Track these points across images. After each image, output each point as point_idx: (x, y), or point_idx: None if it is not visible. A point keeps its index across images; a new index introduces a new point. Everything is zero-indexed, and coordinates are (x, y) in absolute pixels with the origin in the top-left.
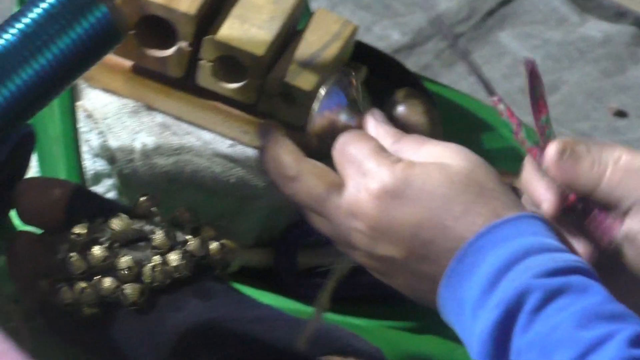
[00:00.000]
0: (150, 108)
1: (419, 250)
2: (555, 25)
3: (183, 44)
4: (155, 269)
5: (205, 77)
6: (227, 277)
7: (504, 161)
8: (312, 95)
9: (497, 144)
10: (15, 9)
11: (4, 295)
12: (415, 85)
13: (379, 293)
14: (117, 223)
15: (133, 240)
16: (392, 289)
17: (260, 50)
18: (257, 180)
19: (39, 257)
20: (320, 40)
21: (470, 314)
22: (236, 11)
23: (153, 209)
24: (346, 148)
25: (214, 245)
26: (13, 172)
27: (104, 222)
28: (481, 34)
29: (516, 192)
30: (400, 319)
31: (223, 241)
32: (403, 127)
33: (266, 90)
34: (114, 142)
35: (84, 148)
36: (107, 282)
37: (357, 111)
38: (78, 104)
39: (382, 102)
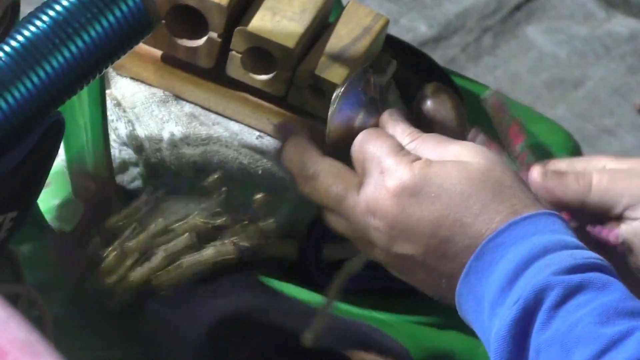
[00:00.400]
0: (178, 98)
1: (437, 247)
2: (582, 21)
3: (214, 35)
4: (196, 262)
5: (235, 68)
6: (259, 267)
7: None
8: None
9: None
10: None
11: (30, 283)
12: (444, 79)
13: (402, 287)
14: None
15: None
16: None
17: (290, 43)
18: (284, 173)
19: (85, 232)
20: (351, 33)
21: (489, 311)
22: (268, 3)
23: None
24: (365, 146)
25: (271, 240)
26: (41, 158)
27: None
28: (508, 28)
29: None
30: (423, 314)
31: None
32: (430, 121)
33: (296, 83)
34: (141, 131)
35: (112, 136)
36: (158, 258)
37: (375, 110)
38: (107, 92)
39: (411, 96)
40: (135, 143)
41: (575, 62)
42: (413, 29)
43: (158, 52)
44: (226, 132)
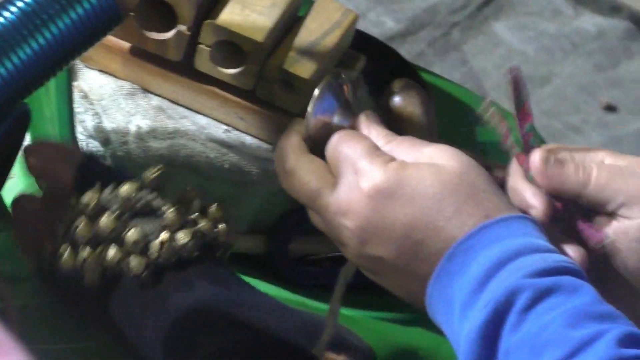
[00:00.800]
0: (146, 91)
1: (410, 250)
2: (550, 18)
3: (183, 28)
4: (163, 245)
5: (203, 61)
6: (227, 261)
7: (496, 153)
8: (310, 83)
9: (490, 136)
10: None
11: None
12: (412, 75)
13: (366, 282)
14: (126, 189)
15: (142, 213)
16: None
17: (260, 36)
18: (252, 167)
19: (44, 220)
20: (321, 27)
21: (459, 314)
22: None
23: (159, 184)
24: (339, 147)
25: (222, 227)
26: (6, 150)
27: (114, 190)
28: (476, 23)
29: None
30: (388, 310)
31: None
32: (399, 117)
33: (265, 77)
34: (108, 124)
35: (79, 129)
36: (112, 252)
37: (350, 113)
38: (74, 84)
39: (379, 92)
40: (101, 136)
41: (543, 59)
42: (380, 24)
43: (126, 45)
44: (193, 125)
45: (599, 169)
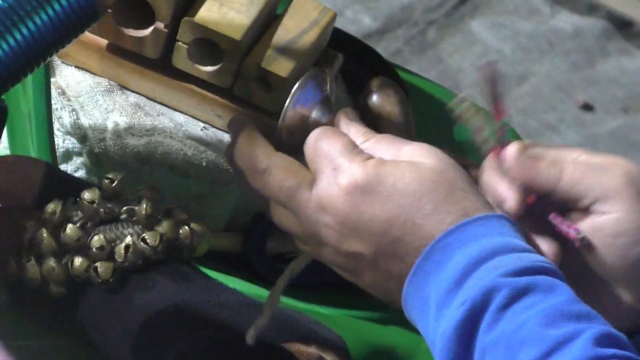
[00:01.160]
0: (124, 88)
1: (388, 247)
2: (527, 16)
3: (160, 25)
4: (129, 249)
5: (180, 58)
6: (194, 261)
7: (473, 152)
8: (287, 81)
9: (467, 135)
10: None
11: None
12: (390, 74)
13: (344, 280)
14: (89, 195)
15: (105, 221)
16: None
17: (237, 34)
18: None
19: (7, 233)
20: (299, 26)
21: (435, 312)
22: None
23: (120, 189)
24: (318, 143)
25: (184, 229)
26: None
27: (76, 201)
28: (453, 22)
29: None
30: (365, 309)
31: (193, 225)
32: (377, 116)
33: (242, 75)
34: (85, 121)
35: (56, 125)
36: (78, 261)
37: (330, 108)
38: (51, 80)
39: (357, 90)
40: (79, 132)
41: (520, 57)
42: (357, 21)
43: (104, 42)
44: (171, 123)
45: (572, 164)
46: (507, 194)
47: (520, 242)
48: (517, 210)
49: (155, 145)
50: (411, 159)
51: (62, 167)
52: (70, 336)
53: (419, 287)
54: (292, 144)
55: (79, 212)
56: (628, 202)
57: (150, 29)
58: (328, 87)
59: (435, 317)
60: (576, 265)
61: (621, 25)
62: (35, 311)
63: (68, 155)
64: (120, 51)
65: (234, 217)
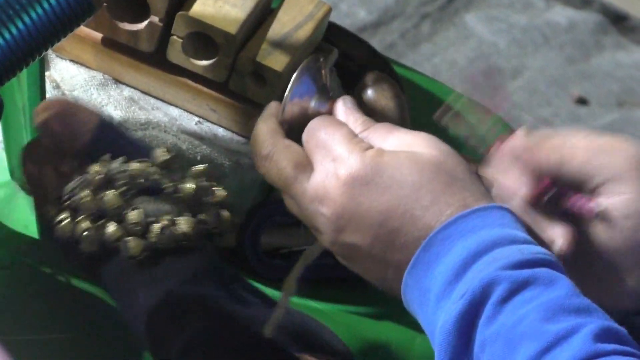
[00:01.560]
0: (118, 82)
1: (386, 238)
2: (521, 10)
3: (155, 19)
4: (164, 230)
5: (175, 52)
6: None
7: (467, 147)
8: (282, 75)
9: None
10: None
11: None
12: (385, 68)
13: (339, 276)
14: (136, 167)
15: (148, 191)
16: (353, 272)
17: (232, 28)
18: (223, 159)
19: (50, 177)
20: (294, 20)
21: (434, 304)
22: None
23: (171, 163)
24: (317, 133)
25: (226, 214)
26: None
27: (124, 162)
28: (447, 15)
29: (481, 180)
30: (360, 304)
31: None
32: (371, 111)
33: (237, 69)
34: None
35: None
36: (112, 229)
37: (328, 97)
38: (46, 74)
39: (352, 85)
40: None
41: (514, 51)
42: (352, 14)
43: (99, 35)
44: (165, 117)
45: (579, 146)
46: (519, 181)
47: (521, 234)
48: (531, 196)
49: (149, 140)
50: (410, 149)
51: None
52: (67, 332)
53: (418, 278)
54: (294, 136)
55: (124, 175)
56: (637, 184)
57: (145, 22)
58: (325, 75)
59: (434, 309)
60: (583, 247)
61: (616, 19)
62: (32, 305)
63: None
64: (115, 45)
65: (229, 212)
